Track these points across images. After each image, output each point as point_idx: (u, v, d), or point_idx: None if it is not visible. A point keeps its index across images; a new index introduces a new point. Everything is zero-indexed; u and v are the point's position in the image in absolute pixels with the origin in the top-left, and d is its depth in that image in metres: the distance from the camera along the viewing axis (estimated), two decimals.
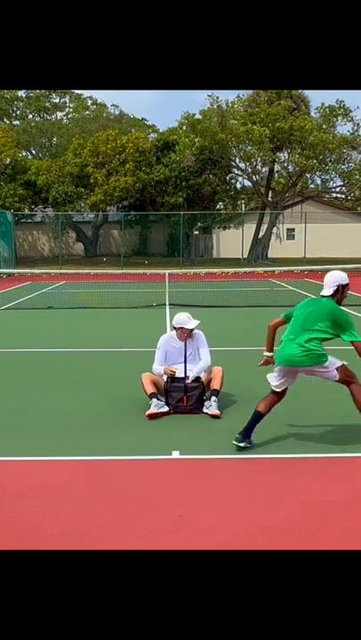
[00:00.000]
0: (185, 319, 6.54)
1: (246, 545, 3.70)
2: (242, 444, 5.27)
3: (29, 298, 18.41)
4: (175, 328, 6.64)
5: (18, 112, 46.02)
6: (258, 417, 5.34)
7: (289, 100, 33.20)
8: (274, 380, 5.38)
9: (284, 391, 5.42)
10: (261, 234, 36.12)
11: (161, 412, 6.24)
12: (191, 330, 6.53)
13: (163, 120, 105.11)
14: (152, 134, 41.85)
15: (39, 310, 15.55)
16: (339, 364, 5.31)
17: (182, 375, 6.46)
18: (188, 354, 6.58)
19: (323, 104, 32.83)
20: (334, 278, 5.34)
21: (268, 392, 5.43)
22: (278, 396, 5.42)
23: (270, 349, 5.76)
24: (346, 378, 5.31)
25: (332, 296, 5.31)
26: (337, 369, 5.28)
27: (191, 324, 6.52)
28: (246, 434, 5.32)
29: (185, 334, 6.56)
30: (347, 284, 5.34)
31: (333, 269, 5.79)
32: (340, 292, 5.32)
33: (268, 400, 5.42)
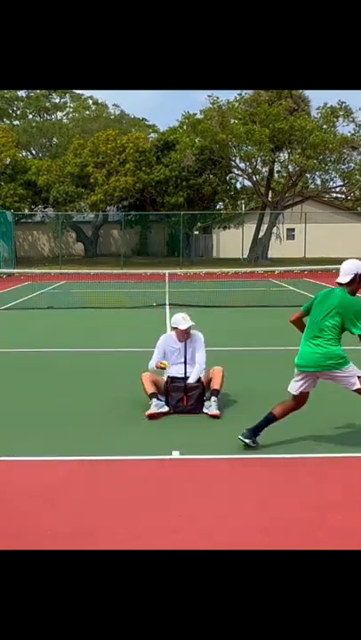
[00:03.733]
0: (180, 320, 6.54)
1: (246, 545, 3.70)
2: (247, 441, 5.18)
3: (29, 298, 18.40)
4: (172, 328, 6.66)
5: (18, 112, 46.03)
6: (270, 419, 5.20)
7: (289, 101, 33.19)
8: (293, 383, 5.13)
9: (303, 397, 5.14)
10: (261, 234, 36.11)
11: (161, 412, 6.24)
12: (186, 330, 6.53)
13: (163, 120, 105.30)
14: (152, 134, 41.84)
15: (39, 310, 15.55)
16: (360, 372, 4.99)
17: (183, 375, 6.47)
18: (188, 356, 6.58)
19: (325, 104, 32.85)
20: (352, 266, 4.99)
21: (285, 396, 5.24)
22: (297, 401, 5.16)
23: None
24: None
25: (348, 285, 4.96)
26: (359, 377, 4.95)
27: (184, 324, 6.51)
28: (254, 432, 5.19)
29: (181, 334, 6.57)
30: None
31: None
32: (358, 281, 4.95)
33: (285, 405, 5.20)
